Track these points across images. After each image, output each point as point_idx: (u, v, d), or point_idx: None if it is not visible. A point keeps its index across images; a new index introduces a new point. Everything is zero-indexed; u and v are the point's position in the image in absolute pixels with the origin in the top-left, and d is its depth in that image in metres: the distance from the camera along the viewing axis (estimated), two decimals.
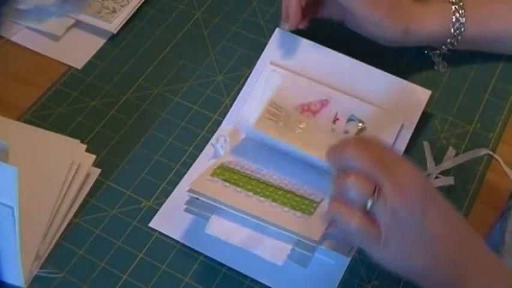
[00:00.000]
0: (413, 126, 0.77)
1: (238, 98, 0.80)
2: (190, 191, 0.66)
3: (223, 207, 0.65)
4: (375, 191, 0.56)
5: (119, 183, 0.75)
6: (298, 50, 0.80)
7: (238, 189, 0.67)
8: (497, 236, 0.72)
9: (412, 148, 0.77)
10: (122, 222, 0.72)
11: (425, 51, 0.84)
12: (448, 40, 0.80)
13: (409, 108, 0.78)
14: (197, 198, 0.67)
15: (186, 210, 0.68)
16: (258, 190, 0.67)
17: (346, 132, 0.76)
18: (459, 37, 0.80)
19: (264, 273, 0.68)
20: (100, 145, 0.78)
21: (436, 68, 0.85)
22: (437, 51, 0.84)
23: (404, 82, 0.79)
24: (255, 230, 0.65)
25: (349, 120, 0.76)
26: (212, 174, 0.68)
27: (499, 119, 0.81)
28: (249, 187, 0.67)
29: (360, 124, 0.76)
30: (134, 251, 0.70)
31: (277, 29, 0.81)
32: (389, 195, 0.55)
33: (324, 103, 0.76)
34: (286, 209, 0.65)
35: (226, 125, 0.79)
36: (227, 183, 0.67)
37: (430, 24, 0.80)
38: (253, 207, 0.65)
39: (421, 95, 0.78)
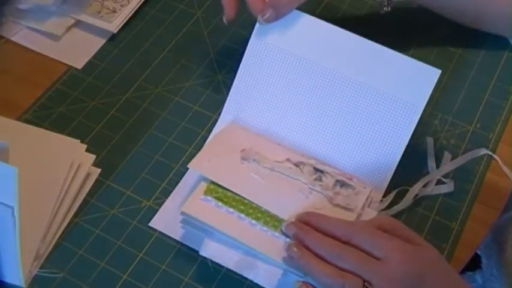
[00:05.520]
0: (421, 109, 0.71)
1: (234, 85, 0.77)
2: (183, 213, 0.67)
3: (216, 232, 0.66)
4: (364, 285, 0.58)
5: (119, 183, 0.75)
6: (296, 26, 0.73)
7: (231, 209, 0.67)
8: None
9: (412, 148, 0.77)
10: (122, 222, 0.72)
11: None
12: None
13: (416, 89, 0.71)
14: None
15: (182, 224, 0.69)
16: (251, 211, 0.67)
17: None
18: None
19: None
20: (100, 145, 0.78)
21: (380, 9, 0.80)
22: None
23: (411, 60, 0.71)
24: (247, 254, 0.66)
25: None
26: (205, 192, 0.68)
27: (499, 119, 0.81)
28: (242, 207, 0.68)
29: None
30: (134, 251, 0.70)
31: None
32: None
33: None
34: (277, 234, 0.65)
35: (225, 116, 0.78)
36: (220, 203, 0.68)
37: None
38: (245, 233, 0.65)
39: (430, 74, 0.70)
